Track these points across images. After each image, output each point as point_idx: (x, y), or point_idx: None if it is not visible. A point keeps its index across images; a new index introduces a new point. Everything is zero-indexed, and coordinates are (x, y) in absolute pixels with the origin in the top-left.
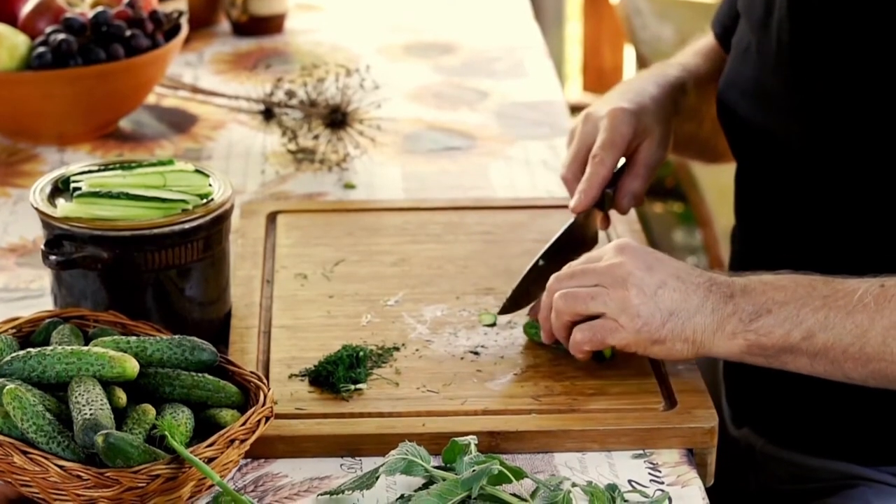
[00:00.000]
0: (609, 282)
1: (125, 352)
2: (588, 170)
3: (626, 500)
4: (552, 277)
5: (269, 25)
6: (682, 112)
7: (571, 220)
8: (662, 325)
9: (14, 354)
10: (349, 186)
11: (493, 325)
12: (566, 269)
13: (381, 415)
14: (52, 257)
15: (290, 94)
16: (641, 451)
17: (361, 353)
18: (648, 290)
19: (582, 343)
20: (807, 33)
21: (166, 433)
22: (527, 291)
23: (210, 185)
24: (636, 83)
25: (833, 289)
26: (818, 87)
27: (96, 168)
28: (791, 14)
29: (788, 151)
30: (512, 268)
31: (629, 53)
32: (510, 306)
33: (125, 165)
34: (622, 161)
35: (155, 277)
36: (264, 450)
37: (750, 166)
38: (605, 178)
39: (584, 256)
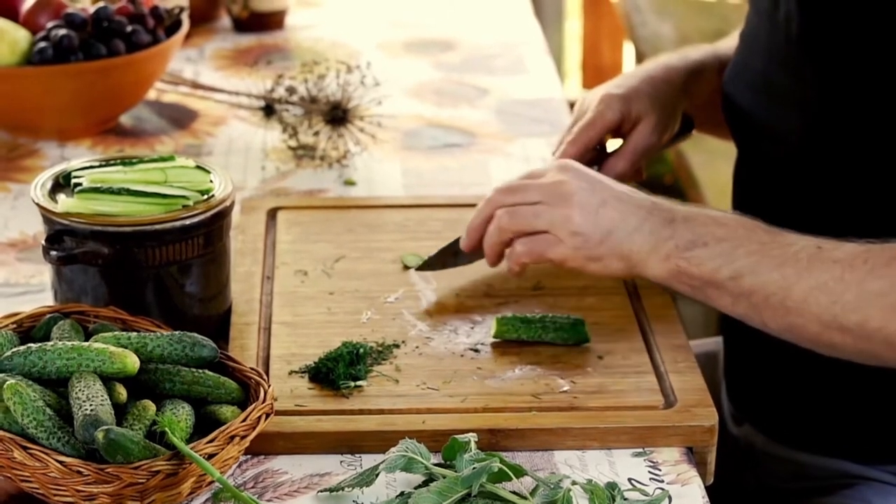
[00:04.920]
0: (553, 199)
1: (126, 348)
2: (560, 147)
3: (626, 499)
4: (493, 190)
5: (269, 21)
6: (701, 94)
7: None
8: (600, 242)
9: (14, 350)
10: (349, 183)
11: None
12: (507, 183)
13: (381, 412)
14: (53, 252)
15: (291, 90)
16: (641, 450)
17: (361, 350)
18: (590, 208)
19: (521, 255)
20: (815, 28)
21: (166, 429)
22: (454, 255)
23: (211, 181)
24: (645, 67)
25: (772, 237)
26: (825, 83)
27: (97, 163)
28: (800, 8)
29: (789, 146)
30: None
31: (629, 51)
32: (431, 264)
33: (126, 161)
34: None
35: (155, 273)
36: (264, 446)
37: (750, 159)
38: (571, 156)
39: (527, 172)
